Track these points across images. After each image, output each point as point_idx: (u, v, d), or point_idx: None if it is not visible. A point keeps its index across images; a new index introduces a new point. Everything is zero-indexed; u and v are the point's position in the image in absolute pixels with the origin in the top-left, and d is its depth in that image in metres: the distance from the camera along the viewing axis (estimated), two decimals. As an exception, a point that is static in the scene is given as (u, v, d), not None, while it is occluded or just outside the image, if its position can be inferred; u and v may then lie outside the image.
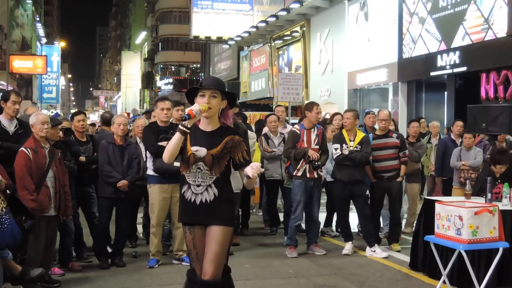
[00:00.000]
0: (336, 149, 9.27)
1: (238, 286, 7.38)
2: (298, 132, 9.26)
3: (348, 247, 9.43)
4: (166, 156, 4.87)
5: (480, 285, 6.10)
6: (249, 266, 8.61)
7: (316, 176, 9.18)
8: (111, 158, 8.46)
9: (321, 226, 10.42)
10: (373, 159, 9.57)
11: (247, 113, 15.99)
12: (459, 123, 11.81)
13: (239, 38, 36.07)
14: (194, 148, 4.88)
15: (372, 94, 24.69)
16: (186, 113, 4.72)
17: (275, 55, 33.18)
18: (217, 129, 4.99)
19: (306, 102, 14.92)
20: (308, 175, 9.12)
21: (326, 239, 10.61)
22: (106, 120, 11.00)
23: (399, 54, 21.00)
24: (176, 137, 4.77)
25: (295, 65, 30.75)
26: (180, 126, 4.73)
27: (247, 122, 13.20)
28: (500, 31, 15.95)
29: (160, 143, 8.12)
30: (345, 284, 7.70)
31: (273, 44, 33.21)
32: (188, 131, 4.76)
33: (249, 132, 11.15)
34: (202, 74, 55.84)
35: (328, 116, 15.71)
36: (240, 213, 10.98)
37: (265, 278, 8.01)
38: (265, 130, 11.25)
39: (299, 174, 9.14)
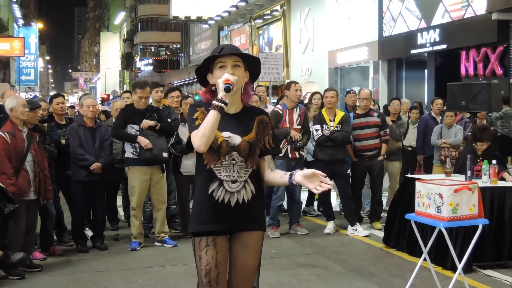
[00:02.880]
0: (317, 130, 9.27)
1: (220, 267, 7.43)
2: (281, 112, 9.24)
3: (330, 226, 9.47)
4: (202, 142, 3.62)
5: (460, 262, 6.13)
6: (232, 247, 8.59)
7: (298, 156, 9.18)
8: (82, 141, 8.38)
9: (303, 205, 10.45)
10: (354, 138, 9.58)
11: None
12: (439, 101, 11.85)
13: (219, 18, 35.84)
14: (226, 134, 3.76)
15: (353, 73, 24.68)
16: (224, 84, 3.65)
17: (256, 35, 33.05)
18: (243, 110, 3.91)
19: (286, 81, 14.90)
20: (290, 155, 9.12)
21: (308, 218, 10.64)
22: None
23: (379, 33, 20.98)
24: (212, 117, 3.61)
25: (276, 45, 30.66)
26: (215, 102, 3.62)
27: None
28: (480, 8, 15.94)
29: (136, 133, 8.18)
30: (327, 263, 7.72)
31: (253, 23, 33.06)
32: (226, 106, 3.64)
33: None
34: (182, 54, 55.57)
35: (308, 95, 15.71)
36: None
37: (247, 258, 7.99)
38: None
39: (281, 154, 9.14)
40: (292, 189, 9.35)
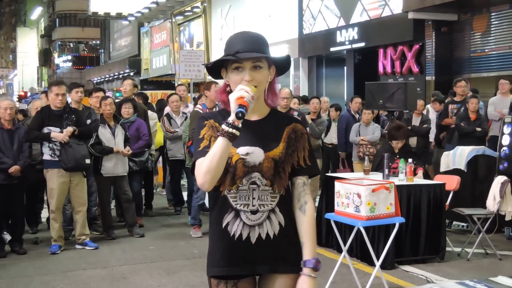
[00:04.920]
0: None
1: (142, 270, 7.42)
2: (201, 111, 9.21)
3: (251, 225, 9.49)
4: (206, 180, 2.76)
5: (378, 259, 6.28)
6: (154, 248, 8.57)
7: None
8: (0, 144, 8.17)
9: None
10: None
11: (148, 92, 15.85)
12: (358, 100, 12.11)
13: (139, 14, 35.46)
14: (242, 151, 2.85)
15: (274, 70, 24.82)
16: (236, 105, 2.70)
17: (176, 31, 32.87)
18: (269, 116, 2.99)
19: (208, 80, 14.88)
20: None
21: (230, 217, 10.66)
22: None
23: (299, 30, 21.21)
24: (220, 146, 2.71)
25: (197, 41, 30.58)
26: (225, 127, 2.70)
27: (149, 101, 13.07)
28: (396, 7, 16.33)
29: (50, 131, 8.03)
30: (250, 263, 7.75)
31: (174, 20, 32.86)
32: (239, 133, 2.71)
33: (150, 112, 11.10)
34: (102, 51, 54.80)
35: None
36: (143, 193, 10.93)
37: (170, 259, 7.99)
38: (167, 110, 11.18)
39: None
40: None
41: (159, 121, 11.17)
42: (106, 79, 48.12)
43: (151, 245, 8.71)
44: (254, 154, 2.86)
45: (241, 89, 2.73)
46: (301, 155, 2.98)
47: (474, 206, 8.55)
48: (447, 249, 7.90)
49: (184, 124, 10.13)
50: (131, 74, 39.18)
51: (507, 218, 7.99)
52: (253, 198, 2.86)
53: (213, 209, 2.95)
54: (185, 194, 11.25)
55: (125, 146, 9.07)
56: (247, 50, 2.83)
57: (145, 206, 10.87)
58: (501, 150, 8.73)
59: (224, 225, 2.87)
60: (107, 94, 10.87)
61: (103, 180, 9.00)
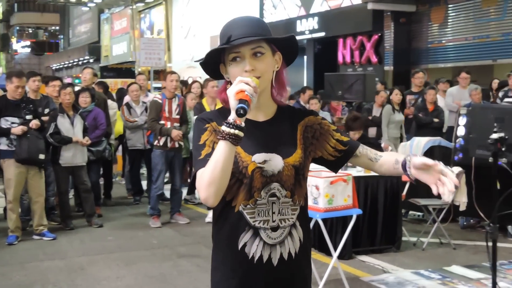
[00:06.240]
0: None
1: (101, 260, 7.40)
2: (160, 101, 9.20)
3: (211, 214, 9.49)
4: (210, 193, 2.30)
5: (336, 249, 6.37)
6: (113, 238, 8.55)
7: (177, 146, 9.18)
8: None
9: (184, 194, 10.50)
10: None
11: (108, 81, 15.74)
12: (310, 92, 12.21)
13: (100, 1, 35.18)
14: (259, 158, 2.43)
15: (234, 58, 24.85)
16: (236, 100, 2.24)
17: (137, 18, 32.67)
18: (278, 114, 2.56)
19: (168, 69, 14.85)
20: (169, 145, 9.10)
21: (189, 206, 10.69)
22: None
23: (260, 19, 21.22)
24: (222, 152, 2.26)
25: (157, 29, 30.46)
26: (225, 128, 2.25)
27: (109, 90, 12.98)
28: (356, -2, 16.49)
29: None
30: (209, 253, 7.68)
31: (134, 7, 32.62)
32: (243, 134, 2.26)
33: (110, 101, 11.04)
34: (62, 36, 54.15)
35: (190, 81, 15.71)
36: (102, 183, 10.88)
37: (129, 250, 7.98)
38: (127, 99, 11.11)
39: (160, 144, 9.10)
40: (172, 179, 9.39)
41: (119, 110, 11.12)
42: (66, 65, 47.59)
43: (109, 236, 8.69)
44: (272, 161, 2.44)
45: (240, 81, 2.27)
46: (333, 143, 2.59)
47: (430, 196, 8.64)
48: (403, 238, 8.03)
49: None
50: (91, 61, 38.86)
51: (462, 208, 8.13)
52: (273, 213, 2.45)
53: (222, 228, 2.49)
54: (144, 184, 11.24)
55: (84, 136, 9.01)
56: (242, 35, 2.39)
57: (104, 196, 10.83)
58: (456, 141, 8.87)
59: (240, 246, 2.43)
60: (66, 81, 10.78)
61: (61, 170, 8.93)
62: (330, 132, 2.60)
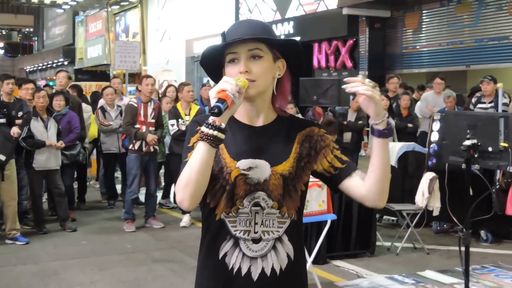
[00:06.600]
0: (172, 125, 9.29)
1: (74, 265, 7.36)
2: (136, 105, 9.18)
3: (185, 219, 9.52)
4: (185, 195, 2.21)
5: (310, 254, 6.39)
6: (87, 243, 8.50)
7: (152, 150, 9.15)
8: None
9: (159, 198, 10.47)
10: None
11: (82, 84, 15.65)
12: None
13: (74, 3, 34.98)
14: (243, 164, 2.31)
15: (210, 62, 24.86)
16: (214, 99, 2.15)
17: (112, 21, 32.54)
18: (276, 121, 2.43)
19: (143, 72, 14.82)
20: (144, 149, 9.07)
21: (164, 211, 10.65)
22: None
23: (235, 23, 21.26)
24: (200, 154, 2.18)
25: (133, 32, 30.35)
26: (204, 128, 2.17)
27: (83, 93, 12.92)
28: (331, 3, 16.56)
29: None
30: (183, 258, 7.78)
31: (109, 9, 32.52)
32: (223, 136, 2.17)
33: (84, 105, 10.98)
34: (36, 38, 53.75)
35: (166, 84, 15.72)
36: (76, 186, 10.81)
37: (103, 254, 7.94)
38: (101, 102, 11.05)
39: (135, 148, 9.07)
40: (147, 183, 9.36)
41: (93, 114, 11.07)
42: (40, 67, 47.25)
43: (83, 240, 8.64)
44: (259, 169, 2.31)
45: (224, 81, 2.17)
46: (331, 157, 2.41)
47: (404, 201, 8.75)
48: (377, 243, 8.07)
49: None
50: (65, 63, 38.64)
51: (435, 213, 8.20)
52: (256, 224, 2.31)
53: (206, 235, 2.38)
54: (118, 188, 11.20)
55: (58, 140, 8.95)
56: (240, 35, 2.30)
57: (78, 200, 10.76)
58: (430, 147, 8.94)
59: (221, 256, 2.32)
60: (40, 83, 10.71)
61: (35, 174, 8.86)
62: (330, 147, 2.43)
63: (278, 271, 2.31)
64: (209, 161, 2.19)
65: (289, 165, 2.33)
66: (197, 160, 2.17)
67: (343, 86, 2.24)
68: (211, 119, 2.15)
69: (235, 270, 2.30)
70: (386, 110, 10.49)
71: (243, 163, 2.30)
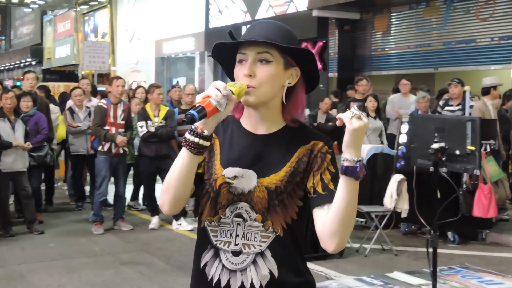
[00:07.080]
0: (141, 126, 9.24)
1: (42, 268, 7.29)
2: (105, 106, 9.12)
3: (154, 221, 9.48)
4: (165, 200, 2.18)
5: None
6: (54, 246, 8.42)
7: (121, 152, 9.10)
8: None
9: (128, 200, 10.41)
10: (179, 133, 9.64)
11: (50, 85, 15.52)
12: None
13: (43, 2, 34.65)
14: (229, 173, 2.21)
15: (179, 63, 24.81)
16: (196, 105, 2.03)
17: (81, 21, 32.33)
18: (281, 131, 2.27)
19: (112, 72, 14.74)
20: (113, 151, 9.02)
21: (133, 213, 10.61)
22: None
23: (206, 24, 21.24)
24: (181, 158, 2.13)
25: (102, 32, 30.16)
26: (187, 134, 2.08)
27: (51, 94, 12.80)
28: (301, 5, 16.61)
29: None
30: (152, 260, 7.75)
31: (78, 9, 32.29)
32: (207, 144, 2.09)
33: (52, 106, 10.88)
34: (3, 38, 53.10)
35: (135, 85, 15.64)
36: (44, 187, 10.71)
37: (71, 257, 7.87)
38: (70, 103, 10.93)
39: (104, 149, 9.01)
40: (116, 185, 9.31)
41: (61, 115, 10.96)
42: (7, 67, 46.69)
43: (51, 243, 8.56)
44: (244, 178, 2.19)
45: (212, 86, 2.05)
46: (318, 178, 2.19)
47: (372, 203, 8.80)
48: (346, 245, 8.06)
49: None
50: (33, 63, 38.26)
51: (403, 215, 8.26)
52: (237, 236, 2.19)
53: (196, 243, 2.32)
54: (87, 189, 11.11)
55: (25, 141, 8.86)
56: (251, 36, 2.19)
57: (45, 202, 10.65)
58: (399, 149, 9.00)
59: (202, 265, 2.25)
60: (7, 83, 10.59)
61: (1, 176, 8.74)
62: (323, 168, 2.21)
63: (257, 287, 2.18)
64: (189, 168, 2.12)
65: (277, 178, 2.18)
66: (178, 167, 2.12)
67: (337, 122, 2.07)
68: (194, 125, 2.05)
69: (214, 281, 2.21)
70: (373, 111, 10.55)
71: (229, 171, 2.20)
